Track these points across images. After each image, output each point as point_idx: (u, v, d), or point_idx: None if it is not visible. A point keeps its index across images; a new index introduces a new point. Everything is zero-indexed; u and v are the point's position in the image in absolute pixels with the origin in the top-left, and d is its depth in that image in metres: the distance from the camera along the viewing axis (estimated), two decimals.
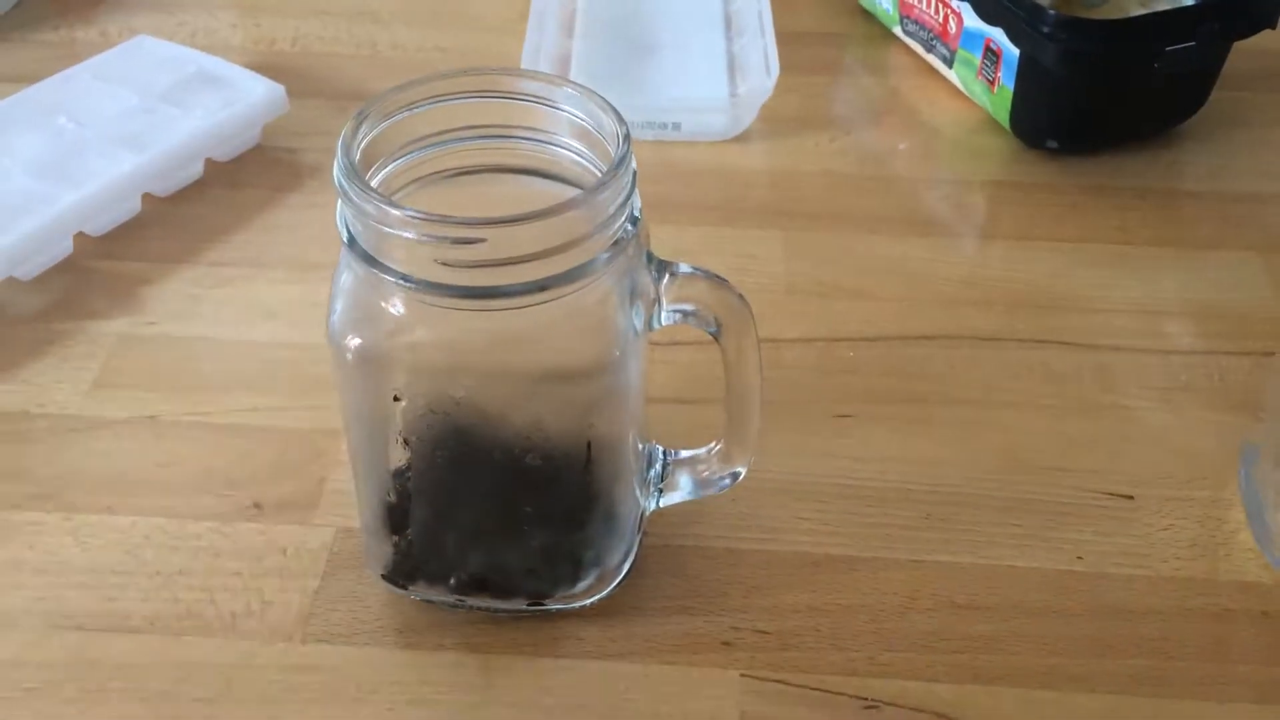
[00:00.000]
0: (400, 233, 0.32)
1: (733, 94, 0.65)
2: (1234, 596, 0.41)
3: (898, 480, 0.45)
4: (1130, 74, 0.59)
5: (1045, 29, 0.56)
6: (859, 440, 0.47)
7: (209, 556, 0.42)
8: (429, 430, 0.36)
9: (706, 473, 0.41)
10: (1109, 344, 0.51)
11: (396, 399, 0.35)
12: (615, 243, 0.34)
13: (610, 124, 0.35)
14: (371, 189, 0.33)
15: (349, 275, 0.35)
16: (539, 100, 0.37)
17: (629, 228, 0.34)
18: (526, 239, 0.32)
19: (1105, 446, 0.47)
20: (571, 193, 0.35)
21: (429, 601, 0.40)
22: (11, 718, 0.38)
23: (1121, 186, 0.60)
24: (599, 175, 0.34)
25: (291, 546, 0.43)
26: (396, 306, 0.34)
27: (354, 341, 0.34)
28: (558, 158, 0.37)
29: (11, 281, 0.52)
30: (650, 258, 0.36)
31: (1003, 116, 0.62)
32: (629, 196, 0.34)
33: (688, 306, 0.37)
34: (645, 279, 0.36)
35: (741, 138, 0.63)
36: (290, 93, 0.62)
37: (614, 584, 0.40)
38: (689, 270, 0.37)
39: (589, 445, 0.37)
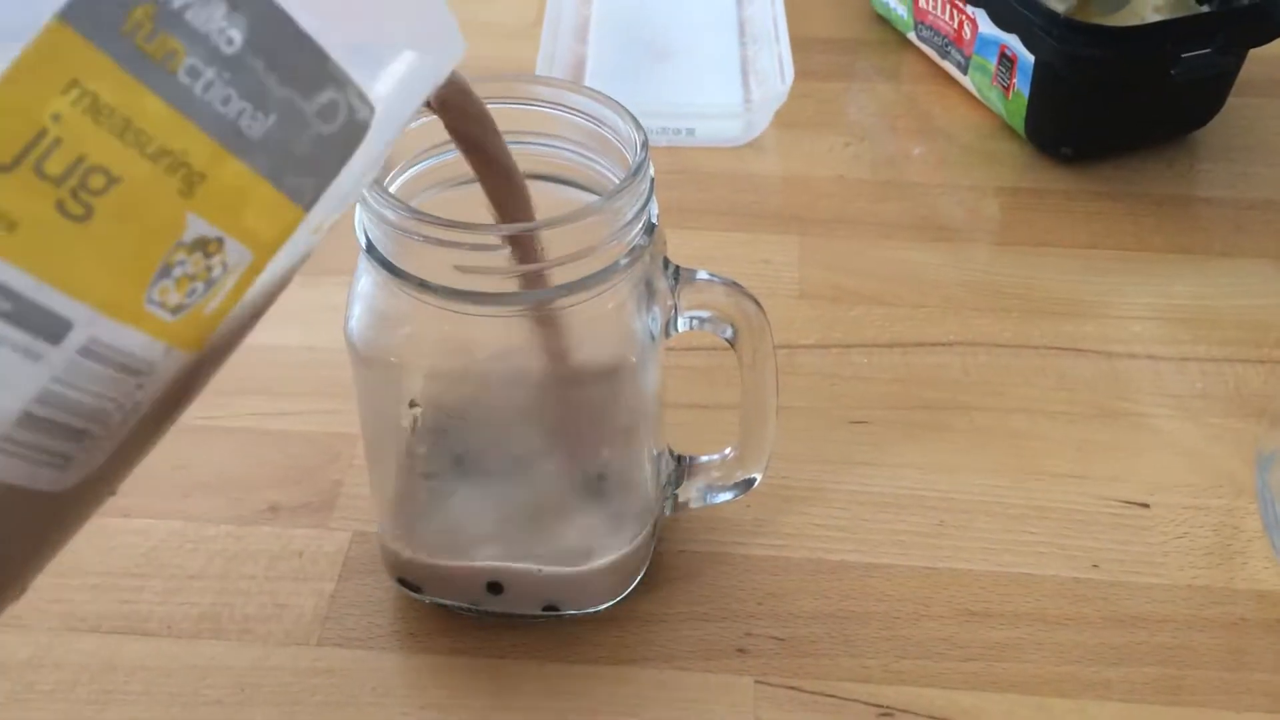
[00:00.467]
0: (418, 238, 0.32)
1: (747, 99, 0.65)
2: (1250, 605, 0.41)
3: (912, 487, 0.45)
4: (1145, 81, 0.58)
5: (1060, 35, 0.56)
6: (874, 446, 0.47)
7: (224, 560, 0.42)
8: (445, 435, 0.36)
9: (721, 478, 0.41)
10: (1124, 351, 0.51)
11: (413, 404, 0.35)
12: (633, 249, 0.34)
13: (628, 130, 0.35)
14: (390, 194, 0.33)
15: (367, 280, 0.35)
16: (556, 106, 0.37)
17: (646, 234, 0.34)
18: (544, 245, 0.32)
19: (1121, 454, 0.46)
20: (588, 199, 0.35)
21: (444, 606, 0.40)
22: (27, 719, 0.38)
23: (1137, 193, 0.60)
24: (616, 181, 0.34)
25: (307, 550, 0.43)
26: (414, 311, 0.34)
27: (371, 346, 0.35)
28: (574, 164, 0.37)
29: None
30: (667, 264, 0.36)
31: (1017, 123, 0.62)
32: (647, 203, 0.34)
33: (704, 313, 0.37)
34: (662, 285, 0.36)
35: (756, 143, 0.63)
36: None
37: (628, 589, 0.41)
38: (705, 276, 0.37)
39: (605, 450, 0.37)
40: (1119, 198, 0.59)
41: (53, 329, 0.21)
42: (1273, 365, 0.50)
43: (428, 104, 0.30)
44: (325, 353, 0.50)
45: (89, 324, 0.21)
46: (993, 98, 0.63)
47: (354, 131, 0.25)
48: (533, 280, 0.33)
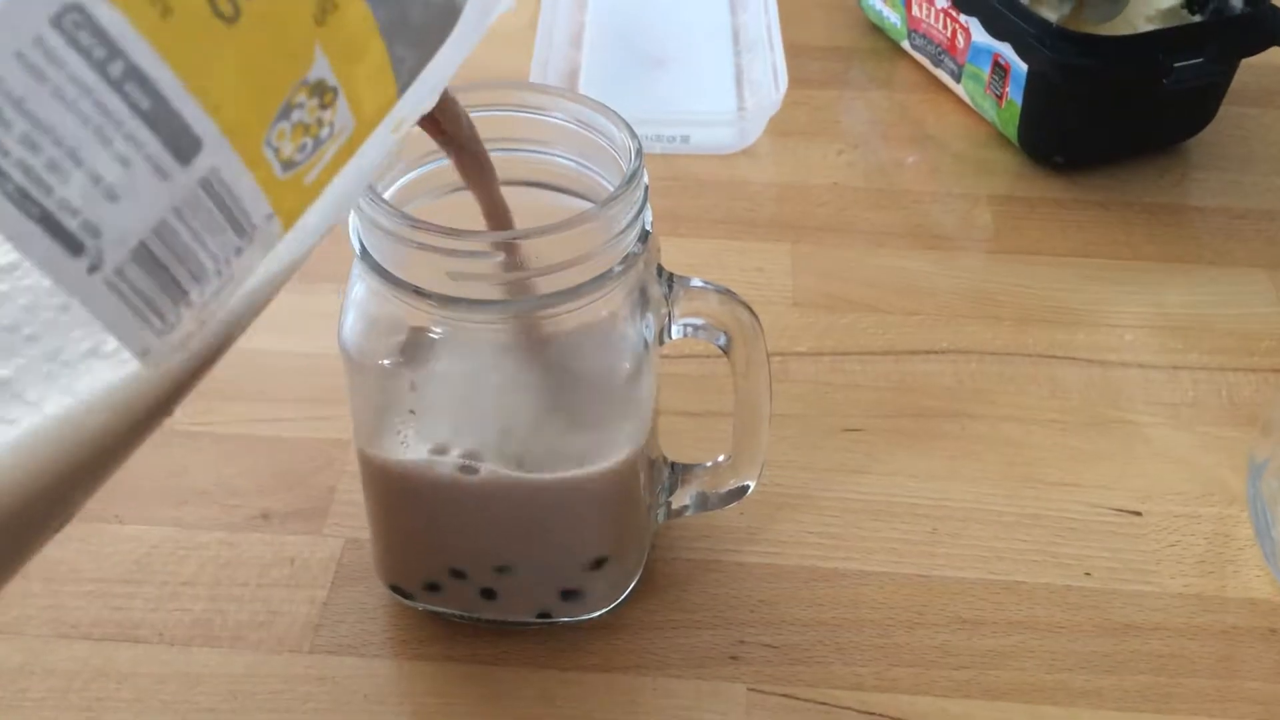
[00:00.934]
0: (412, 245, 0.32)
1: (741, 107, 0.65)
2: (1242, 613, 0.41)
3: (905, 494, 0.45)
4: (1138, 90, 0.59)
5: (1053, 44, 0.56)
6: (867, 454, 0.47)
7: (217, 566, 0.42)
8: (439, 442, 0.36)
9: (715, 486, 0.41)
10: (1117, 359, 0.51)
11: (411, 411, 0.35)
12: (627, 256, 0.34)
13: (623, 138, 0.35)
14: (384, 201, 0.33)
15: (361, 286, 0.35)
16: (550, 113, 0.37)
17: (640, 242, 0.34)
18: (538, 253, 0.32)
19: (1113, 462, 0.47)
20: (582, 206, 0.35)
21: (437, 613, 0.40)
22: None
23: (1129, 202, 0.60)
24: (610, 189, 0.34)
25: (300, 557, 0.43)
26: (408, 318, 0.34)
27: (365, 352, 0.35)
28: (569, 171, 0.37)
29: None
30: (661, 271, 0.36)
31: (1011, 131, 0.62)
32: (640, 210, 0.34)
33: (697, 320, 0.37)
34: (656, 292, 0.36)
35: (749, 151, 0.63)
36: None
37: (622, 597, 0.41)
38: (699, 284, 0.37)
39: (599, 459, 0.37)
40: (1111, 206, 0.60)
41: (184, 145, 0.20)
42: (1264, 374, 0.50)
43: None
44: (319, 359, 0.50)
45: (215, 150, 0.21)
46: (986, 106, 0.63)
47: (450, 14, 0.25)
48: (526, 287, 0.33)
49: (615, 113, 0.36)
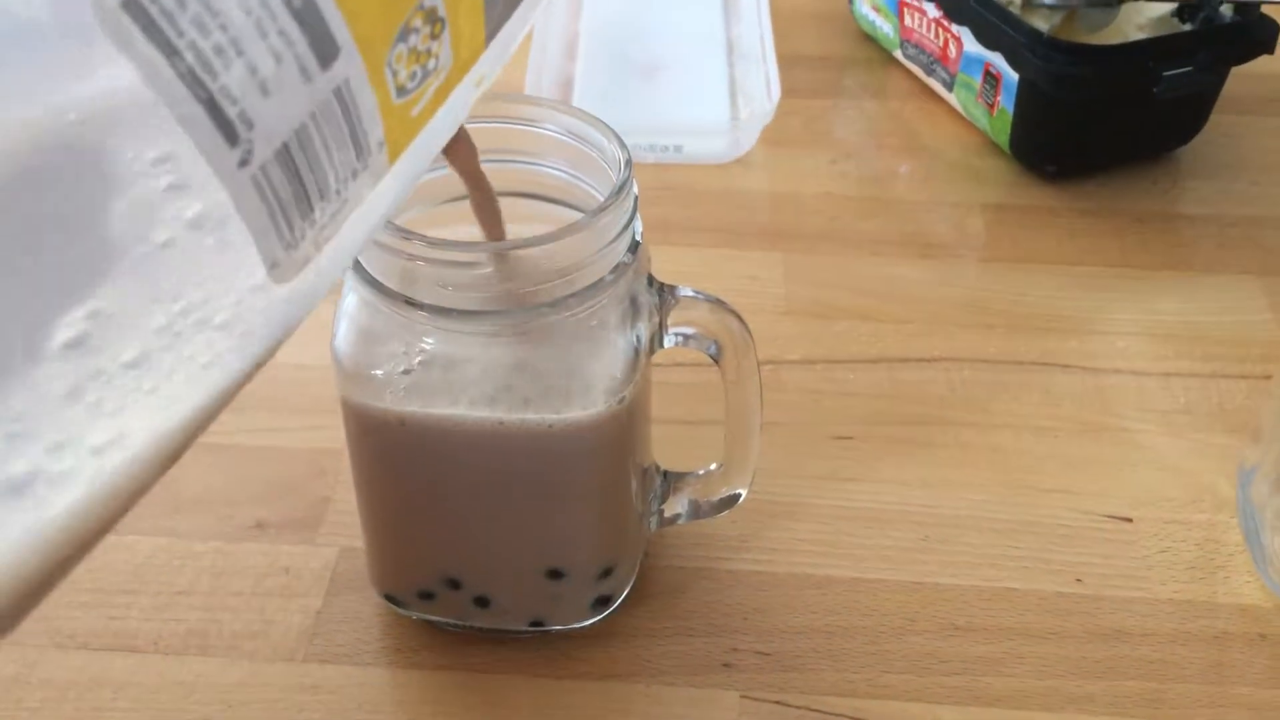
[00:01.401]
0: (403, 256, 0.32)
1: (734, 117, 0.66)
2: (1232, 619, 0.42)
3: (897, 502, 0.45)
4: (1129, 99, 0.59)
5: (1044, 53, 0.57)
6: (858, 462, 0.47)
7: (212, 576, 0.43)
8: (431, 451, 0.36)
9: (707, 494, 0.42)
10: (1108, 367, 0.51)
11: (401, 422, 0.36)
12: (616, 266, 0.34)
13: (612, 149, 0.35)
14: None
15: (353, 297, 0.35)
16: (540, 125, 0.37)
17: (630, 252, 0.35)
18: (529, 263, 0.32)
19: (1104, 469, 0.47)
20: (574, 216, 0.36)
21: (431, 622, 0.41)
22: None
23: (1120, 210, 0.60)
24: (601, 199, 0.34)
25: (294, 566, 0.43)
26: (400, 328, 0.34)
27: (357, 363, 0.35)
28: (560, 182, 0.38)
29: None
30: (651, 281, 0.37)
31: (1002, 140, 0.62)
32: (630, 220, 0.34)
33: (688, 329, 0.37)
34: (646, 301, 0.36)
35: (742, 160, 0.63)
36: None
37: (614, 605, 0.41)
38: (689, 293, 0.37)
39: (590, 467, 0.37)
40: (1103, 214, 0.60)
41: (326, 49, 0.21)
42: (1255, 380, 0.51)
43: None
44: (312, 369, 0.50)
45: (349, 59, 0.21)
46: (978, 115, 0.64)
47: None
48: (518, 297, 0.33)
49: (605, 124, 0.36)
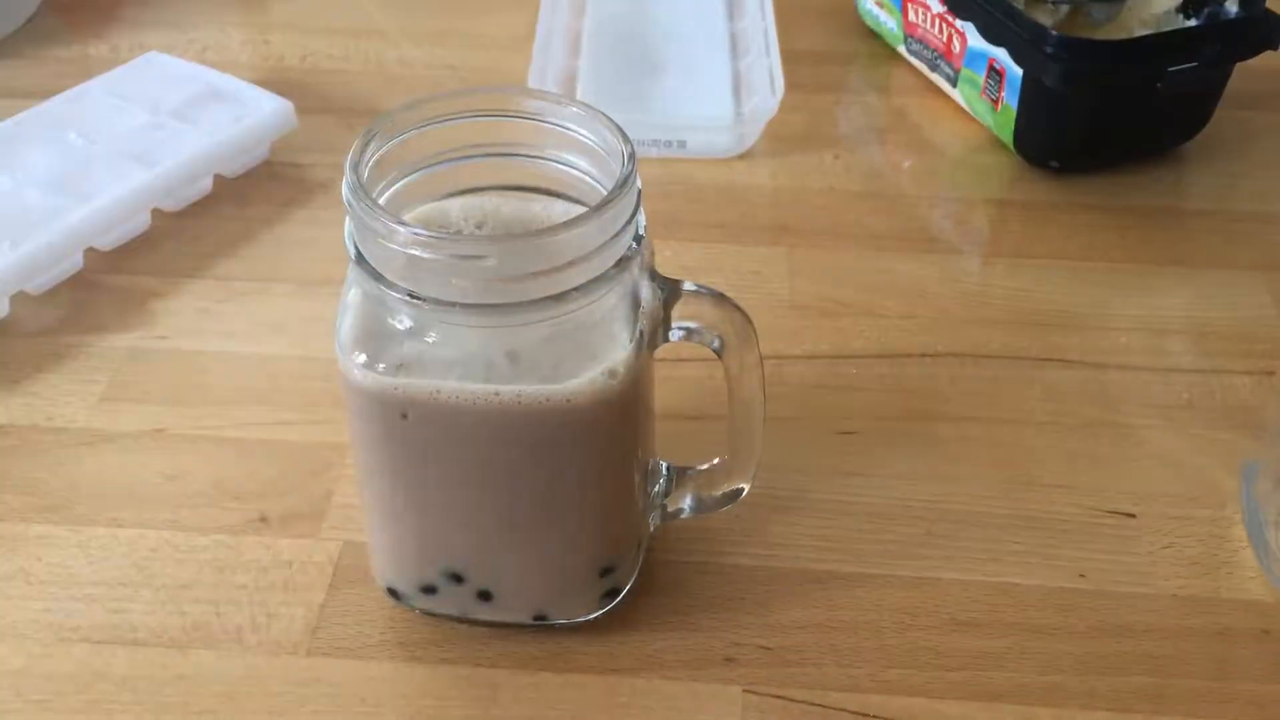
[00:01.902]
0: (407, 250, 0.32)
1: (738, 112, 0.66)
2: (1235, 615, 0.42)
3: (900, 497, 0.45)
4: (1133, 94, 0.59)
5: (1048, 49, 0.57)
6: (862, 457, 0.47)
7: (215, 570, 0.43)
8: (435, 445, 0.36)
9: (710, 489, 0.42)
10: (1112, 362, 0.51)
11: (404, 415, 0.36)
12: (620, 260, 0.34)
13: (615, 142, 0.35)
14: (379, 206, 0.33)
15: (356, 291, 0.35)
16: (545, 119, 0.37)
17: (634, 245, 0.35)
18: (532, 256, 0.32)
19: (1108, 464, 0.47)
20: (577, 211, 0.36)
21: (434, 615, 0.41)
22: None
23: (1124, 206, 0.60)
24: (604, 193, 0.34)
25: (298, 560, 0.43)
26: (403, 322, 0.34)
27: (361, 357, 0.35)
28: (564, 176, 0.38)
29: (22, 295, 0.53)
30: (654, 275, 0.37)
31: (1006, 135, 0.62)
32: (634, 214, 0.34)
33: (691, 324, 0.37)
34: (650, 296, 0.36)
35: (746, 156, 0.63)
36: (299, 109, 0.62)
37: (618, 599, 0.41)
38: (693, 288, 0.37)
39: (594, 461, 0.37)
40: (1107, 210, 0.60)
41: None
42: (1258, 376, 0.51)
43: None
44: (316, 363, 0.50)
45: None
46: (981, 111, 0.64)
47: None
48: (521, 291, 0.33)
49: (608, 117, 0.36)
